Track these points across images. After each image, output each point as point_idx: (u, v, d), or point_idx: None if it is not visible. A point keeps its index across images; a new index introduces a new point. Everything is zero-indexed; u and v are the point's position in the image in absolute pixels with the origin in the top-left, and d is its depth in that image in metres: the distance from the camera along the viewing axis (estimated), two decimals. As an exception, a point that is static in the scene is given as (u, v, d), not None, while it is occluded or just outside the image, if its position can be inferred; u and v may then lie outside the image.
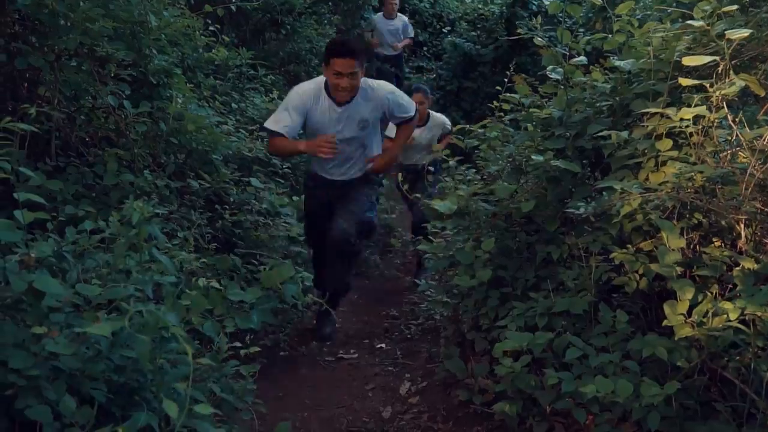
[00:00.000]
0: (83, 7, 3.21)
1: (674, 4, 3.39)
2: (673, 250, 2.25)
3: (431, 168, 4.61)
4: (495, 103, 3.55)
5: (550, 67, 2.90)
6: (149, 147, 3.74)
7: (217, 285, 1.79)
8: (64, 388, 1.55)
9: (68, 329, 1.57)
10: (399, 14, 8.79)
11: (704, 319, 2.13)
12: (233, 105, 5.59)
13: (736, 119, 2.45)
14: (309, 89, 3.55)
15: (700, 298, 2.20)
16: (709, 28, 2.40)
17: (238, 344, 3.35)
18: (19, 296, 1.59)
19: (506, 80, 3.61)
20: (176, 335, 1.30)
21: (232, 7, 5.51)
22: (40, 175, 2.16)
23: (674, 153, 2.42)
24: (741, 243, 2.33)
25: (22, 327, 1.58)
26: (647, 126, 2.48)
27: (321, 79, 3.57)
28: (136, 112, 3.49)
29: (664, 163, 2.44)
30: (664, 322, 2.21)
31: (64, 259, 1.91)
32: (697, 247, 2.45)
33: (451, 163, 3.61)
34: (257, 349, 3.47)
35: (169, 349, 1.64)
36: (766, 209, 2.36)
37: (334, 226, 3.59)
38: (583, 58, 2.89)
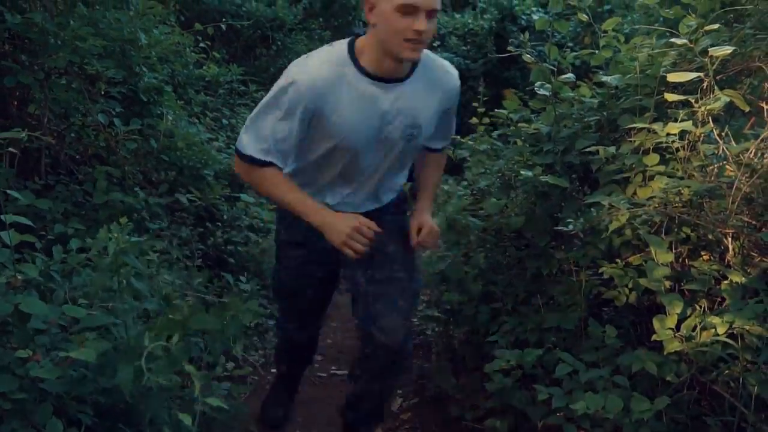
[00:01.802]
0: (73, 25, 3.22)
1: (661, 19, 3.42)
2: (661, 264, 2.25)
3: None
4: (474, 119, 3.57)
5: (538, 83, 2.92)
6: (140, 164, 3.74)
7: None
8: (51, 411, 1.54)
9: (54, 352, 1.57)
10: None
11: (693, 334, 2.14)
12: (224, 121, 5.61)
13: (723, 133, 2.47)
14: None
15: (688, 312, 2.21)
16: (692, 46, 2.43)
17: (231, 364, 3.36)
18: (4, 318, 1.58)
19: (478, 96, 3.63)
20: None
21: (222, 26, 5.53)
22: (29, 194, 2.16)
23: (661, 168, 2.44)
24: (729, 256, 2.34)
25: (8, 349, 1.57)
26: (634, 141, 2.50)
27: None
28: (126, 129, 3.49)
29: (651, 178, 2.45)
30: (654, 337, 2.21)
31: (52, 279, 1.90)
32: (686, 260, 2.46)
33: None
34: (249, 369, 3.48)
35: (156, 372, 1.63)
36: (753, 223, 2.37)
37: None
38: (570, 75, 2.91)
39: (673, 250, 2.38)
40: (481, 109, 3.44)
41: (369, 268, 2.21)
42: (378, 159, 2.14)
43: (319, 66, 2.01)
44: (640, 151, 2.48)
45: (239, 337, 1.76)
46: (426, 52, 2.09)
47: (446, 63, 2.22)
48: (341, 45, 2.07)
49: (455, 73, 2.23)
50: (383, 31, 1.94)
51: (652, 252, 2.27)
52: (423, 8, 1.88)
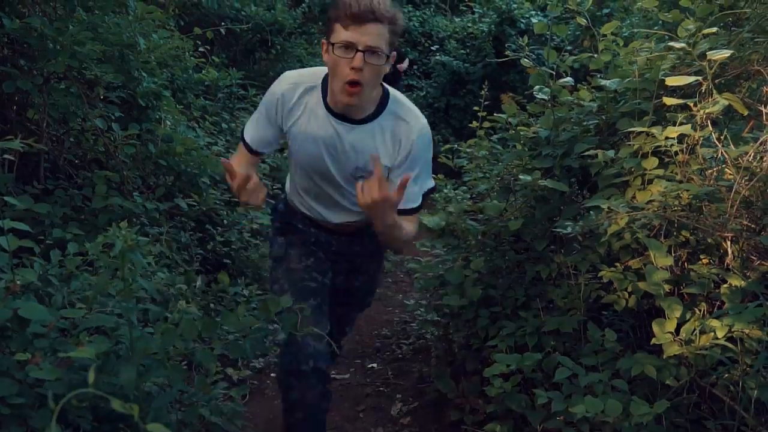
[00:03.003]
0: (72, 30, 3.21)
1: (660, 22, 3.42)
2: (660, 268, 2.25)
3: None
4: (475, 123, 3.58)
5: (537, 87, 2.92)
6: (138, 169, 3.74)
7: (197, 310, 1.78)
8: (50, 415, 1.53)
9: (53, 355, 1.56)
10: None
11: (692, 337, 2.14)
12: (223, 125, 5.61)
13: (721, 137, 2.47)
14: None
15: (688, 316, 2.21)
16: (690, 50, 2.43)
17: (229, 370, 3.35)
18: (3, 323, 1.57)
19: (482, 100, 3.64)
20: (163, 361, 1.29)
21: (222, 30, 5.54)
22: (28, 198, 2.16)
23: (660, 171, 2.44)
24: (728, 260, 2.34)
25: (7, 354, 1.56)
26: (633, 145, 2.50)
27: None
28: (125, 134, 3.49)
29: (650, 182, 2.45)
30: (653, 341, 2.21)
31: (50, 283, 1.90)
32: (685, 264, 2.46)
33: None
34: (248, 372, 3.48)
35: (156, 375, 1.63)
36: (752, 226, 2.37)
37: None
38: (569, 79, 2.92)
39: (673, 254, 2.38)
40: (482, 113, 3.46)
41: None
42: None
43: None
44: (639, 155, 2.48)
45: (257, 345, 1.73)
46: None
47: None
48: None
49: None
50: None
51: (652, 256, 2.27)
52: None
